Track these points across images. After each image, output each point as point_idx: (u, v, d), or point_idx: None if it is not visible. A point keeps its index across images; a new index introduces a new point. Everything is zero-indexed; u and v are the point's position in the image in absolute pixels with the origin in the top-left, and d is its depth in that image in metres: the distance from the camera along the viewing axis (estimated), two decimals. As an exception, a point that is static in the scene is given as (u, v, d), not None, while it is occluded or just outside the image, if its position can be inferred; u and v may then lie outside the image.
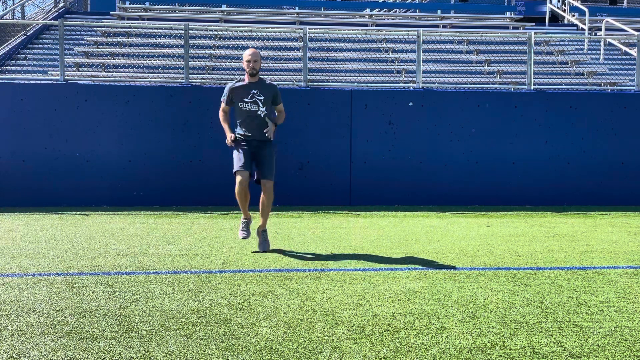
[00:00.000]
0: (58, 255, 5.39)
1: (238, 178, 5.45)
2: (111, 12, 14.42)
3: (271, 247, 5.70)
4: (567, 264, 5.19)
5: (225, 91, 5.66)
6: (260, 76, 5.70)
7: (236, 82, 5.66)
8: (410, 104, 8.95)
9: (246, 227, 5.69)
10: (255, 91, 5.55)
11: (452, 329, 3.48)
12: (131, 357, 3.03)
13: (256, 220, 5.84)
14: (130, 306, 3.86)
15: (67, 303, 3.92)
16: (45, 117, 8.51)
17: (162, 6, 15.09)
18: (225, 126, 5.72)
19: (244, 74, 5.67)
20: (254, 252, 5.56)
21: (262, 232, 5.64)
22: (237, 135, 5.58)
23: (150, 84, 9.17)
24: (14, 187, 8.47)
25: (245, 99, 5.54)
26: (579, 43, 13.76)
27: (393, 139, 8.91)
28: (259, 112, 5.54)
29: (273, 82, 5.86)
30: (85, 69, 10.87)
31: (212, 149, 8.59)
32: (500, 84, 10.95)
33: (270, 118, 5.60)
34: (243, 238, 5.68)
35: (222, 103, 5.72)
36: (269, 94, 5.60)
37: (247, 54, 5.55)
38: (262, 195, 5.58)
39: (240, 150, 5.53)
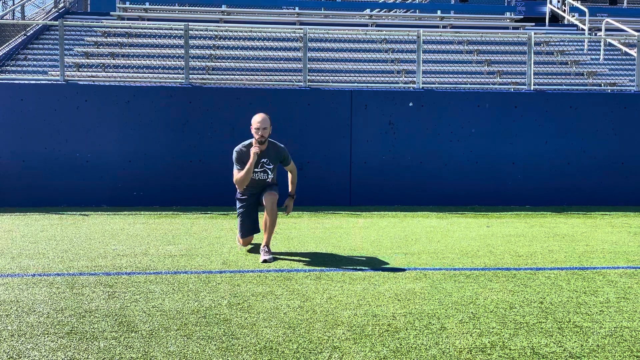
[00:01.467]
0: (58, 255, 5.39)
1: (241, 241, 5.71)
2: (111, 13, 14.41)
3: (271, 248, 5.70)
4: (567, 264, 5.19)
5: (236, 156, 5.39)
6: (269, 139, 5.43)
7: (244, 146, 5.39)
8: (410, 104, 8.95)
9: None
10: (265, 160, 5.42)
11: (452, 329, 3.48)
12: (131, 357, 3.03)
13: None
14: (130, 306, 3.86)
15: (67, 303, 3.92)
16: (45, 117, 8.52)
17: (162, 6, 15.09)
18: (246, 168, 5.32)
19: (250, 140, 5.36)
20: (263, 262, 5.37)
21: (265, 247, 5.33)
22: (243, 194, 5.60)
23: (150, 84, 9.17)
24: (14, 187, 8.47)
25: (255, 169, 5.40)
26: (579, 43, 13.76)
27: (393, 139, 8.91)
28: (267, 180, 5.50)
29: (281, 145, 5.55)
30: (85, 69, 10.87)
31: (212, 149, 8.59)
32: (500, 84, 10.95)
33: (290, 192, 5.71)
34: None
35: (235, 170, 5.43)
36: (277, 159, 5.48)
37: (256, 121, 5.27)
38: (265, 212, 5.35)
39: (244, 216, 5.59)
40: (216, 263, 5.15)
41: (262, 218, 5.45)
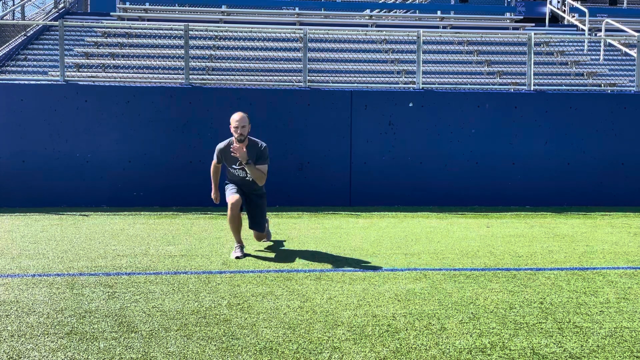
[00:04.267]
0: (58, 255, 5.39)
1: (230, 201, 5.41)
2: (111, 13, 14.41)
3: (271, 248, 5.70)
4: (567, 265, 5.19)
5: (216, 151, 5.62)
6: (250, 138, 5.49)
7: (225, 144, 5.55)
8: (410, 104, 8.95)
9: (240, 249, 5.50)
10: None
11: (452, 329, 3.48)
12: (131, 357, 3.03)
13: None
14: (130, 307, 3.86)
15: (67, 304, 3.92)
16: (45, 117, 8.51)
17: (162, 7, 15.09)
18: (213, 183, 5.81)
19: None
20: (257, 250, 5.56)
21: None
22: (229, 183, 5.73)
23: (151, 84, 9.17)
24: (14, 188, 8.47)
25: (234, 166, 5.53)
26: (579, 44, 13.76)
27: (393, 139, 8.91)
28: (247, 178, 5.56)
29: (263, 143, 5.54)
30: (86, 70, 10.87)
31: (212, 150, 8.53)
32: (500, 84, 10.95)
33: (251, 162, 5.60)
34: (237, 257, 5.38)
35: (214, 160, 5.72)
36: (254, 155, 5.46)
37: (234, 120, 5.36)
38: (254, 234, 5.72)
39: (231, 187, 5.66)
40: (216, 263, 5.15)
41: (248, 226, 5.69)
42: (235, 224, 5.42)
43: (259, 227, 5.63)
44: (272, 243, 6.04)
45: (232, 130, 5.38)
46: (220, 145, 5.61)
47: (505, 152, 9.02)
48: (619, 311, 3.85)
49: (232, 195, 5.48)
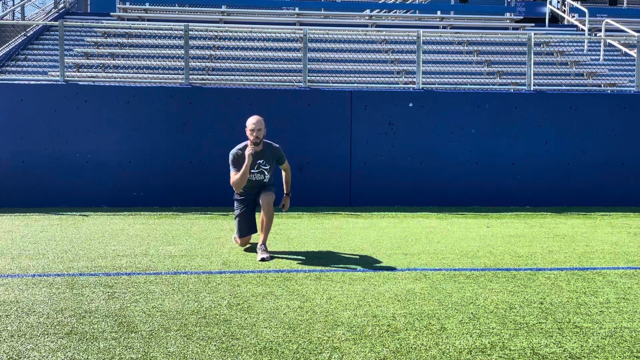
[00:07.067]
0: (58, 256, 5.39)
1: (239, 241, 5.75)
2: (111, 13, 14.41)
3: (271, 249, 5.70)
4: (567, 265, 5.19)
5: (232, 159, 5.46)
6: (264, 140, 5.48)
7: (240, 148, 5.48)
8: (410, 104, 8.95)
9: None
10: (261, 161, 5.47)
11: (452, 329, 3.48)
12: (131, 357, 3.03)
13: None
14: (130, 307, 3.86)
15: (67, 304, 3.92)
16: (45, 117, 8.51)
17: (162, 7, 15.09)
18: (242, 170, 5.39)
19: (245, 141, 5.49)
20: (260, 261, 5.46)
21: (262, 245, 5.44)
22: (240, 194, 5.65)
23: (151, 84, 9.17)
24: (14, 188, 8.47)
25: (252, 170, 5.46)
26: (579, 44, 13.77)
27: (393, 139, 8.91)
28: (265, 180, 5.55)
29: (276, 145, 5.60)
30: (86, 70, 10.87)
31: (212, 150, 8.59)
32: (500, 84, 10.95)
33: (285, 192, 5.78)
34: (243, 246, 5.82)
35: (233, 172, 5.48)
36: (273, 160, 5.53)
37: (251, 123, 5.35)
38: (262, 212, 5.44)
39: (241, 217, 5.64)
40: (216, 263, 5.15)
41: (259, 217, 5.53)
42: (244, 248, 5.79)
43: (269, 193, 5.49)
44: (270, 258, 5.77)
45: (248, 133, 5.37)
46: (234, 151, 5.49)
47: (505, 152, 9.02)
48: (619, 311, 3.85)
49: (242, 239, 5.74)
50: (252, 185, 5.56)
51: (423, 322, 3.61)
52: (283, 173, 5.80)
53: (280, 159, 5.61)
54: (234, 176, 5.46)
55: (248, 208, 5.68)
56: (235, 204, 5.76)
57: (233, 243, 6.00)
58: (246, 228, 5.68)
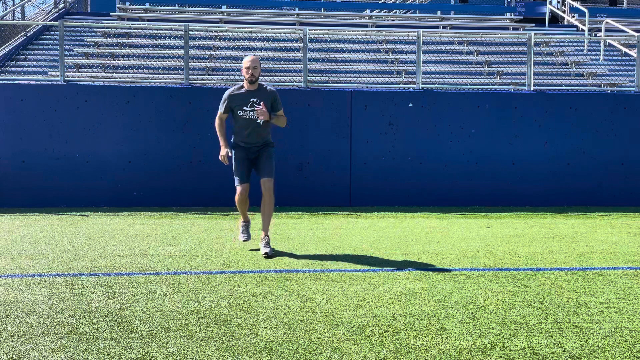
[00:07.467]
0: (58, 256, 5.39)
1: (238, 189, 5.53)
2: (111, 13, 14.42)
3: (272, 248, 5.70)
4: (567, 265, 5.19)
5: (224, 97, 5.51)
6: (260, 82, 5.56)
7: (235, 88, 5.53)
8: (410, 104, 8.95)
9: (246, 229, 5.75)
10: (255, 99, 5.44)
11: (452, 329, 3.48)
12: (131, 358, 3.03)
13: (255, 222, 5.83)
14: (130, 307, 3.86)
15: (67, 304, 3.92)
16: (45, 117, 8.51)
17: (162, 7, 15.09)
18: (221, 138, 5.56)
19: (242, 79, 5.54)
20: (250, 250, 5.57)
21: (265, 237, 5.50)
22: (237, 143, 5.54)
23: (150, 84, 9.17)
24: (14, 188, 8.47)
25: (245, 108, 5.43)
26: (579, 44, 13.77)
27: (393, 139, 8.91)
28: (258, 121, 5.46)
29: (273, 88, 5.65)
30: (86, 70, 10.88)
31: (212, 150, 8.56)
32: (500, 84, 10.95)
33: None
34: (244, 240, 5.73)
35: (220, 111, 5.57)
36: (268, 100, 5.48)
37: (246, 60, 5.42)
38: (263, 197, 5.50)
39: (238, 163, 5.54)
40: (216, 264, 5.15)
41: (260, 207, 5.59)
42: (242, 205, 5.58)
43: (269, 174, 5.50)
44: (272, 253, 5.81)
45: (244, 71, 5.43)
46: (228, 92, 5.52)
47: (505, 152, 9.03)
48: (619, 311, 3.85)
49: (240, 185, 5.50)
50: (246, 125, 5.45)
51: (423, 322, 3.61)
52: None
53: (275, 103, 5.52)
54: (217, 123, 5.61)
55: (245, 159, 5.55)
56: (233, 153, 5.60)
57: (233, 243, 6.00)
58: (243, 173, 5.52)
